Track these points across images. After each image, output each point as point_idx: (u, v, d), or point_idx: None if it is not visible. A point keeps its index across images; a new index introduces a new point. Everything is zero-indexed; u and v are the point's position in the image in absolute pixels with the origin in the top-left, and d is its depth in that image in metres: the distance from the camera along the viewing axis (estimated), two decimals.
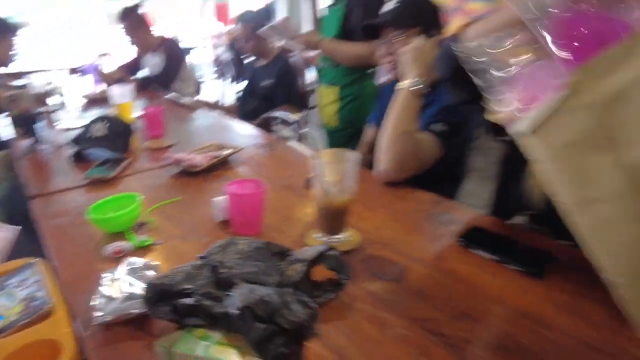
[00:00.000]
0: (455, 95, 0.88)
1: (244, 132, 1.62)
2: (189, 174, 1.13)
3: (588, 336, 0.57)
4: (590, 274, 0.65)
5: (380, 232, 0.85)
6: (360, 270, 0.72)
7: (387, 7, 1.29)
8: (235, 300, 0.53)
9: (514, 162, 0.95)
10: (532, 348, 0.56)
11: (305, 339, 0.54)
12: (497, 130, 0.93)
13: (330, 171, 0.77)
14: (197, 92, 2.93)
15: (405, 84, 1.07)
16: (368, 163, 1.46)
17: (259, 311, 0.52)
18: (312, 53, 2.08)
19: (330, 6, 2.03)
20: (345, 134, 2.01)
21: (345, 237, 0.81)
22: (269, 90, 2.21)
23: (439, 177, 1.23)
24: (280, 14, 6.30)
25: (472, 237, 0.80)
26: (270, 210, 0.88)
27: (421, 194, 1.03)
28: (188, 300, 0.55)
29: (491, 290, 0.67)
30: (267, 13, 3.09)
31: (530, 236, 0.84)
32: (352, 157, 0.78)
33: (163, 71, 2.47)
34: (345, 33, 1.87)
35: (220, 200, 0.88)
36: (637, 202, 0.36)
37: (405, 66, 1.10)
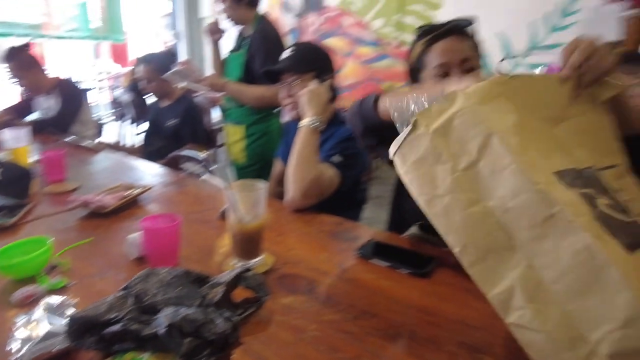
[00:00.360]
0: (365, 140, 1.07)
1: (152, 172, 1.63)
2: (99, 215, 1.12)
3: (468, 317, 0.72)
4: (461, 271, 0.82)
5: (291, 253, 0.94)
6: (276, 287, 0.80)
7: (285, 54, 1.45)
8: (161, 321, 0.58)
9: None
10: (421, 332, 0.68)
11: (230, 348, 0.61)
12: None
13: (243, 200, 0.85)
14: (98, 134, 2.82)
15: (304, 122, 1.21)
16: (278, 194, 1.57)
17: (185, 328, 0.58)
18: (217, 94, 2.17)
19: (232, 51, 2.15)
20: (254, 169, 2.10)
21: (261, 260, 0.89)
22: (175, 130, 2.23)
23: (342, 203, 1.37)
24: (182, 55, 6.31)
25: (370, 250, 0.93)
26: (186, 243, 0.93)
27: (325, 217, 1.15)
28: (115, 327, 0.59)
29: (387, 291, 0.80)
30: (169, 54, 3.12)
31: (420, 245, 0.99)
32: (260, 186, 0.87)
33: (59, 113, 2.35)
34: (248, 77, 2.00)
35: (135, 236, 0.91)
36: (462, 195, 0.52)
37: (303, 107, 1.25)
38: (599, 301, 0.44)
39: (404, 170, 0.57)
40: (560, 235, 0.47)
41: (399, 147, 0.56)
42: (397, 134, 0.59)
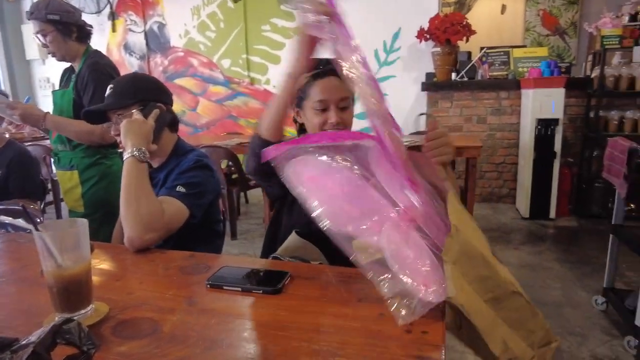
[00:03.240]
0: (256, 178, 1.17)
1: None
2: None
3: (322, 325, 0.71)
4: (315, 281, 0.82)
5: (131, 297, 0.83)
6: (110, 337, 0.69)
7: (107, 92, 1.34)
8: None
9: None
10: (273, 349, 0.65)
11: None
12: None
13: (59, 242, 0.73)
14: None
15: (126, 154, 1.14)
16: None
17: None
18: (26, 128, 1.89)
19: (55, 91, 1.93)
20: (96, 218, 1.86)
21: (90, 311, 0.76)
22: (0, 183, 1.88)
23: (198, 237, 1.29)
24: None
25: (220, 278, 0.88)
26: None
27: (173, 253, 1.06)
28: None
29: (239, 316, 0.75)
30: None
31: (274, 263, 0.97)
32: (79, 223, 0.76)
33: None
34: (78, 115, 1.79)
35: None
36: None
37: (122, 139, 1.17)
38: None
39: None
40: None
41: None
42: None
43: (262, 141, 1.02)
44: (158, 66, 5.43)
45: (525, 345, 0.72)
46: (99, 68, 1.79)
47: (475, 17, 4.62)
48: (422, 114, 4.48)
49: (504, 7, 4.81)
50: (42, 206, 2.11)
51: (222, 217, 1.50)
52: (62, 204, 3.96)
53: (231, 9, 4.98)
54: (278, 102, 1.01)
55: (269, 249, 1.24)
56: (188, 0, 5.11)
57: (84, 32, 1.87)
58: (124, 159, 1.13)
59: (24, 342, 0.60)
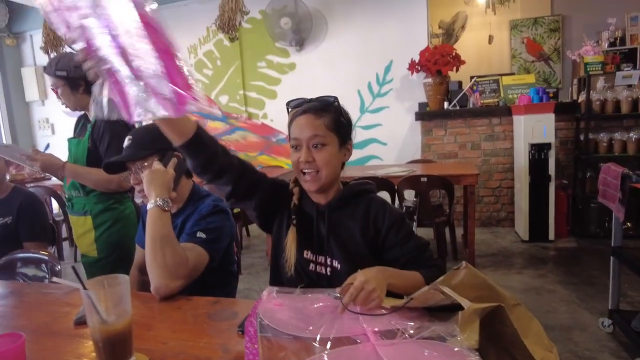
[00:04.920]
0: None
1: None
2: None
3: None
4: None
5: (167, 347, 0.87)
6: None
7: (125, 144, 1.40)
8: None
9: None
10: None
11: None
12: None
13: (103, 298, 0.77)
14: None
15: (150, 205, 1.18)
16: (143, 284, 1.44)
17: None
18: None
19: (70, 139, 1.99)
20: (109, 262, 1.90)
21: None
22: (8, 229, 1.91)
23: (215, 279, 1.33)
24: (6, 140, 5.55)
25: None
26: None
27: (198, 299, 1.10)
28: None
29: None
30: None
31: None
32: (121, 279, 0.80)
33: None
34: (93, 164, 1.85)
35: None
36: None
37: (146, 190, 1.23)
38: None
39: None
40: None
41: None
42: None
43: None
44: None
45: (541, 349, 0.79)
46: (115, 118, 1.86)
47: (462, 46, 4.82)
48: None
49: (491, 37, 5.02)
50: (54, 250, 2.13)
51: (236, 258, 1.55)
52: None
53: (227, 47, 5.14)
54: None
55: (276, 284, 1.28)
56: (185, 39, 5.27)
57: (91, 84, 1.94)
58: (148, 209, 1.18)
59: None
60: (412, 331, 0.82)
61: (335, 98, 1.18)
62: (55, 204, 4.08)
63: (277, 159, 5.12)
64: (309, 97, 1.19)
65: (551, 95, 4.00)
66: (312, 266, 1.19)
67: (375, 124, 4.78)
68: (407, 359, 0.75)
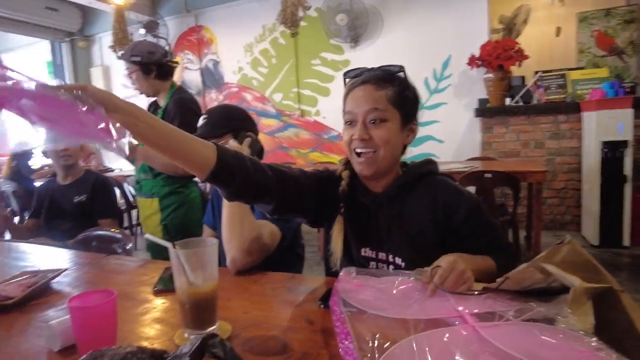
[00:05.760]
0: None
1: (58, 256, 1.41)
2: None
3: None
4: None
5: (249, 316, 0.85)
6: (244, 354, 0.71)
7: (200, 122, 1.42)
8: None
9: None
10: None
11: None
12: None
13: (191, 261, 0.76)
14: None
15: None
16: None
17: None
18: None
19: None
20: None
21: (215, 329, 0.78)
22: (83, 207, 2.02)
23: (285, 260, 1.31)
24: None
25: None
26: (121, 324, 0.79)
27: (272, 274, 1.08)
28: None
29: None
30: None
31: None
32: (209, 243, 0.79)
33: None
34: None
35: (58, 322, 0.75)
36: None
37: None
38: None
39: None
40: None
41: None
42: None
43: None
44: (213, 101, 5.69)
45: None
46: (185, 104, 1.91)
47: (524, 41, 4.58)
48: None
49: (559, 30, 4.75)
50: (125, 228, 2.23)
51: (302, 240, 1.53)
52: None
53: (283, 45, 5.20)
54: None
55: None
56: (241, 38, 5.38)
57: (163, 70, 2.00)
58: None
59: (175, 354, 0.62)
60: (513, 312, 0.75)
61: (401, 67, 1.04)
62: (117, 193, 4.29)
63: (329, 156, 5.12)
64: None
65: (628, 90, 3.71)
66: (372, 264, 1.07)
67: (432, 120, 4.64)
68: (515, 341, 0.67)
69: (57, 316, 0.78)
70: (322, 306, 0.86)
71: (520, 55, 4.15)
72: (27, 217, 2.27)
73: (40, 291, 1.00)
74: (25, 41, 6.84)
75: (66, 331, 0.74)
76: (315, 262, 3.50)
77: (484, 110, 4.30)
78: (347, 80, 1.07)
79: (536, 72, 4.27)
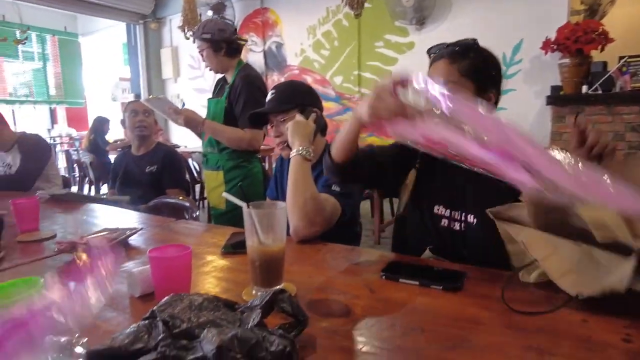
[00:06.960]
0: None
1: (134, 219, 1.52)
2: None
3: (522, 323, 0.68)
4: (492, 282, 0.79)
5: (312, 280, 0.87)
6: (309, 313, 0.73)
7: (268, 97, 1.47)
8: (207, 343, 0.50)
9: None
10: (478, 341, 0.63)
11: None
12: None
13: (262, 221, 0.79)
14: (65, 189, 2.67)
15: (293, 152, 1.21)
16: None
17: (237, 348, 0.50)
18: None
19: (210, 99, 2.14)
20: (235, 215, 2.00)
21: (284, 288, 0.81)
22: (154, 177, 2.16)
23: (343, 235, 1.32)
24: None
25: (394, 270, 0.88)
26: (192, 279, 0.84)
27: (333, 245, 1.10)
28: (148, 357, 0.50)
29: (426, 307, 0.75)
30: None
31: (438, 263, 0.95)
32: (280, 205, 0.82)
33: (21, 169, 2.21)
34: (229, 122, 1.98)
35: (139, 271, 0.81)
36: None
37: (290, 139, 1.25)
38: None
39: None
40: None
41: None
42: None
43: (331, 160, 1.06)
44: (275, 84, 5.79)
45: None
46: (251, 81, 1.96)
47: (609, 23, 4.20)
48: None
49: None
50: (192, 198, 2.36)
51: (360, 219, 1.53)
52: None
53: (346, 27, 5.15)
54: (344, 138, 1.02)
55: (398, 244, 1.27)
56: (305, 20, 5.40)
57: (232, 48, 2.06)
58: (291, 156, 1.20)
59: (247, 305, 0.65)
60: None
61: (475, 40, 1.09)
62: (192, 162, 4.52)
63: (386, 141, 5.05)
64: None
65: None
66: (444, 222, 1.11)
67: (499, 108, 4.41)
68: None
69: (136, 267, 0.84)
70: (384, 277, 0.87)
71: (605, 39, 3.81)
72: (102, 186, 2.46)
73: (120, 247, 1.08)
74: (103, 24, 7.32)
75: (146, 279, 0.80)
76: (369, 245, 3.50)
77: (556, 98, 4.02)
78: (430, 56, 1.15)
79: (621, 58, 3.91)
